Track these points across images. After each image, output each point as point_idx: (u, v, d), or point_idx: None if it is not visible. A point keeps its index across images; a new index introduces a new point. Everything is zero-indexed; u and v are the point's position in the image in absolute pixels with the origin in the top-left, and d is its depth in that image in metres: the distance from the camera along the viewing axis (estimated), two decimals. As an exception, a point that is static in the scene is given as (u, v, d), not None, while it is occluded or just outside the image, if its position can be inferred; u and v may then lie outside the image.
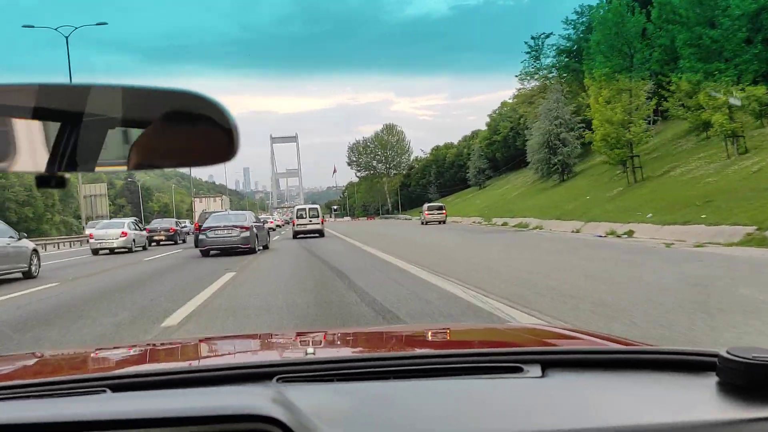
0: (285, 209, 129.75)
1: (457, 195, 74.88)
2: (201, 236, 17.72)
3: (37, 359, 1.66)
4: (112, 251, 22.07)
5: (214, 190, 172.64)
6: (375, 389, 1.10)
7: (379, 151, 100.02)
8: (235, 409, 0.83)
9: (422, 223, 42.10)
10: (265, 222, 23.47)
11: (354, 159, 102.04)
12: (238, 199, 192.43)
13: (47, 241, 37.79)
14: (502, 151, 71.27)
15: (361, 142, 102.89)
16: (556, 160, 38.94)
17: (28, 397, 1.02)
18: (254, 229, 17.91)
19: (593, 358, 1.19)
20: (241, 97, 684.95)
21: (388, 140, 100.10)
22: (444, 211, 41.23)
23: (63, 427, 0.78)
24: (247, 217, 18.46)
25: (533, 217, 27.11)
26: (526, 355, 1.21)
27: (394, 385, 1.11)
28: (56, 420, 0.79)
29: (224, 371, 1.19)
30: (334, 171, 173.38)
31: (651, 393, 1.05)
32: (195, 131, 0.80)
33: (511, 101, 75.11)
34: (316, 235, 26.67)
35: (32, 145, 0.77)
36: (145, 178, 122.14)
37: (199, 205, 44.64)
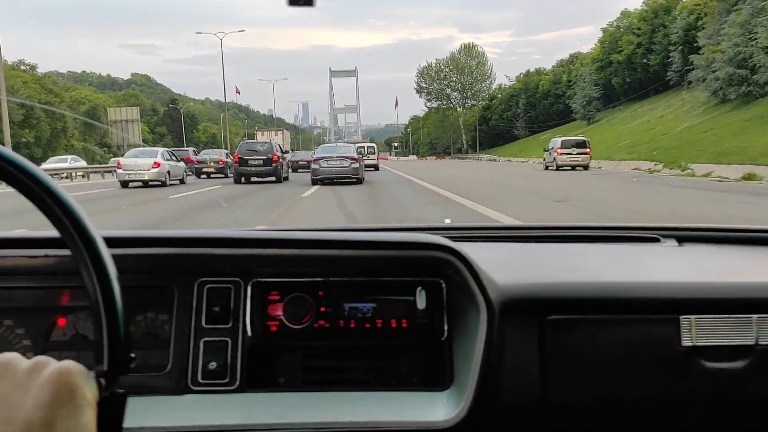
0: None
1: (554, 131, 58.86)
2: (314, 166, 17.87)
3: None
4: (145, 184, 19.49)
5: (271, 123, 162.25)
6: (521, 247, 1.21)
7: (454, 76, 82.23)
8: (419, 238, 0.94)
9: (546, 168, 27.64)
10: (362, 155, 23.68)
11: (424, 86, 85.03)
12: (295, 134, 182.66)
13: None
14: (623, 74, 54.81)
15: (433, 65, 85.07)
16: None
17: None
18: (360, 161, 18.36)
19: (725, 236, 1.26)
20: (302, 30, 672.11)
21: (466, 63, 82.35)
22: (588, 150, 26.36)
23: (235, 243, 0.98)
24: (354, 149, 18.96)
25: None
26: (664, 230, 1.28)
27: (538, 246, 1.22)
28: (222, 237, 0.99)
29: (405, 231, 1.30)
30: (396, 104, 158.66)
31: None
32: None
33: (635, 11, 57.76)
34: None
35: None
36: (189, 104, 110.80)
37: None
